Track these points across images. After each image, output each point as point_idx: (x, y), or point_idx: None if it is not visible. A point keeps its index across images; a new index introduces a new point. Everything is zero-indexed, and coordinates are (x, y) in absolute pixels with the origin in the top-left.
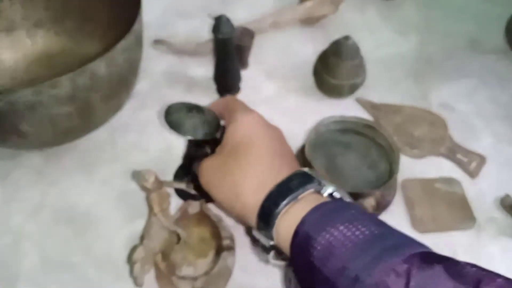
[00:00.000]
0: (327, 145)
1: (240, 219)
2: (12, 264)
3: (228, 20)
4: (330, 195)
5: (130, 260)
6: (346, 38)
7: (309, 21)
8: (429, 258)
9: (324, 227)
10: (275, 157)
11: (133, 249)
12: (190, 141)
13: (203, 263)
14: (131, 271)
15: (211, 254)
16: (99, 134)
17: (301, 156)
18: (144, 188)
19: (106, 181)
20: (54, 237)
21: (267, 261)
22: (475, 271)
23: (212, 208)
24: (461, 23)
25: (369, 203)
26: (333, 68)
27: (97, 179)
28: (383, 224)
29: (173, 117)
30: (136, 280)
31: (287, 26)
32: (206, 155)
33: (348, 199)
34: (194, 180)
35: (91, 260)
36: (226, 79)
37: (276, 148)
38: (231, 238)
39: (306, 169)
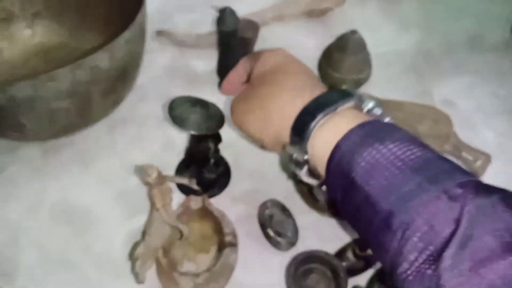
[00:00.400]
0: None
1: (275, 144)
2: (11, 261)
3: (233, 12)
4: (370, 111)
5: (131, 256)
6: (353, 32)
7: (313, 14)
8: (485, 187)
9: (372, 143)
10: (308, 75)
11: (134, 246)
12: (192, 136)
13: (204, 259)
14: (132, 268)
15: (212, 250)
16: (98, 128)
17: None
18: (146, 183)
19: (105, 176)
20: (53, 234)
21: (299, 179)
22: None
23: (214, 203)
24: (462, 19)
25: None
26: (337, 63)
27: (95, 174)
28: (435, 151)
29: (177, 112)
30: (137, 276)
31: (291, 19)
32: (208, 150)
33: (389, 117)
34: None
35: (90, 257)
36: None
37: (308, 71)
38: (234, 234)
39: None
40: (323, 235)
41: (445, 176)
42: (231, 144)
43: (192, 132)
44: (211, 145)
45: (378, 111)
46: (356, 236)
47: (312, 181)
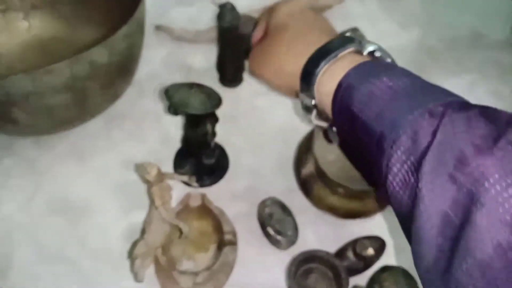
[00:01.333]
0: None
1: (289, 92)
2: (5, 254)
3: (233, 8)
4: (371, 53)
5: (130, 255)
6: (354, 30)
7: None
8: (466, 105)
9: (368, 78)
10: (314, 29)
11: (133, 244)
12: (190, 121)
13: (204, 257)
14: (132, 266)
15: (212, 249)
16: (95, 123)
17: (306, 145)
18: (146, 181)
19: (101, 171)
20: (48, 228)
21: (310, 122)
22: (509, 114)
23: (213, 201)
24: (463, 16)
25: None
26: None
27: (92, 168)
28: (425, 80)
29: (176, 98)
30: (136, 275)
31: None
32: (206, 133)
33: (389, 58)
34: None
35: (86, 252)
36: (230, 68)
37: (316, 23)
38: (233, 233)
39: (347, 34)
40: (323, 234)
41: (430, 98)
42: (231, 141)
43: (199, 113)
44: (209, 126)
45: (378, 54)
46: (356, 235)
47: (322, 123)
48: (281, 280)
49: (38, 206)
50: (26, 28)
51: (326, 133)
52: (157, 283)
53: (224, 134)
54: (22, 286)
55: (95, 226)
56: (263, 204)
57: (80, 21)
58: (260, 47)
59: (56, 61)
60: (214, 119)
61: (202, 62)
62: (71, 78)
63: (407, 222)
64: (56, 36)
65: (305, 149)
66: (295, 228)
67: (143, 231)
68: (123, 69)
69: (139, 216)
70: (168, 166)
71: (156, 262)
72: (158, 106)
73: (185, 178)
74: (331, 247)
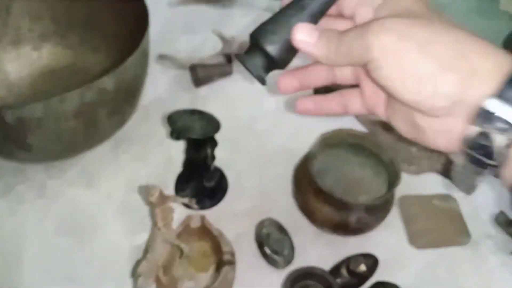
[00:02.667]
0: (333, 155)
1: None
2: (14, 275)
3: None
4: None
5: (134, 274)
6: None
7: None
8: None
9: None
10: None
11: (137, 263)
12: (192, 145)
13: (204, 277)
14: (135, 285)
15: (211, 269)
16: (102, 148)
17: (303, 166)
18: (149, 202)
19: (109, 194)
20: (57, 247)
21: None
22: None
23: (213, 222)
24: None
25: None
26: None
27: (99, 192)
28: None
29: (179, 123)
30: None
31: None
32: (207, 156)
33: None
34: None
35: (92, 270)
36: None
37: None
38: (232, 253)
39: None
40: (319, 252)
41: None
42: (232, 162)
43: (201, 137)
44: (209, 150)
45: None
46: (351, 252)
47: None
48: None
49: (47, 226)
50: (36, 58)
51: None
52: None
53: (224, 157)
54: None
55: (102, 246)
56: (261, 225)
57: (88, 50)
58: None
59: (65, 87)
60: (214, 143)
61: (205, 89)
62: (81, 105)
63: None
64: (64, 64)
65: (302, 170)
66: (292, 248)
67: (146, 251)
68: (129, 96)
69: (144, 237)
70: (170, 189)
71: (158, 281)
72: (162, 130)
73: (186, 200)
74: (327, 265)
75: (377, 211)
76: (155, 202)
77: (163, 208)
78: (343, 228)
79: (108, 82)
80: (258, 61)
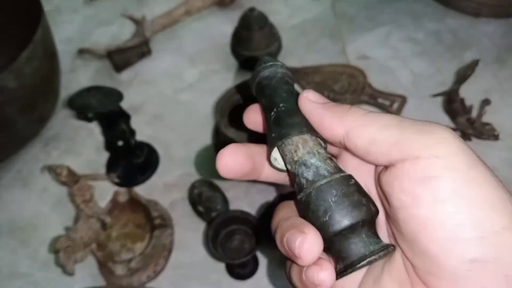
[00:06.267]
0: None
1: None
2: None
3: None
4: None
5: (53, 250)
6: (252, 10)
7: (224, 3)
8: None
9: None
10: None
11: (54, 240)
12: (103, 124)
13: (140, 247)
14: (57, 261)
15: (147, 237)
16: (33, 149)
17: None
18: (62, 183)
19: (44, 190)
20: (0, 250)
21: None
22: None
23: (147, 195)
24: None
25: None
26: (245, 41)
27: (35, 190)
28: None
29: (78, 103)
30: (64, 268)
31: (204, 11)
32: (124, 132)
33: None
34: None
35: (38, 263)
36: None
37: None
38: (162, 217)
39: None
40: (252, 201)
41: None
42: (160, 136)
43: (99, 111)
44: (124, 125)
45: None
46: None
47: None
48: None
49: None
50: None
51: None
52: (102, 278)
53: (152, 133)
54: None
55: (43, 238)
56: (192, 187)
57: None
58: None
59: None
60: (125, 116)
61: (128, 75)
62: None
63: None
64: None
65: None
66: (225, 202)
67: (68, 228)
68: (40, 92)
69: None
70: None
71: (95, 257)
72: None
73: (104, 176)
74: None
75: None
76: (67, 181)
77: (79, 187)
78: None
79: (7, 79)
80: None
